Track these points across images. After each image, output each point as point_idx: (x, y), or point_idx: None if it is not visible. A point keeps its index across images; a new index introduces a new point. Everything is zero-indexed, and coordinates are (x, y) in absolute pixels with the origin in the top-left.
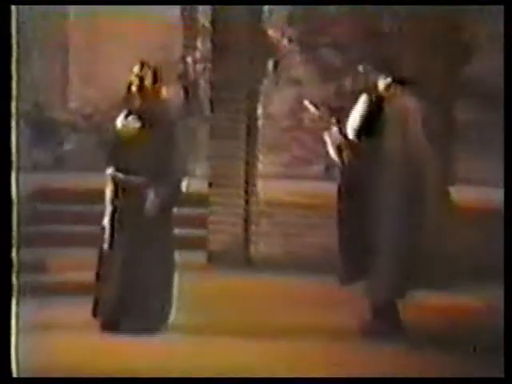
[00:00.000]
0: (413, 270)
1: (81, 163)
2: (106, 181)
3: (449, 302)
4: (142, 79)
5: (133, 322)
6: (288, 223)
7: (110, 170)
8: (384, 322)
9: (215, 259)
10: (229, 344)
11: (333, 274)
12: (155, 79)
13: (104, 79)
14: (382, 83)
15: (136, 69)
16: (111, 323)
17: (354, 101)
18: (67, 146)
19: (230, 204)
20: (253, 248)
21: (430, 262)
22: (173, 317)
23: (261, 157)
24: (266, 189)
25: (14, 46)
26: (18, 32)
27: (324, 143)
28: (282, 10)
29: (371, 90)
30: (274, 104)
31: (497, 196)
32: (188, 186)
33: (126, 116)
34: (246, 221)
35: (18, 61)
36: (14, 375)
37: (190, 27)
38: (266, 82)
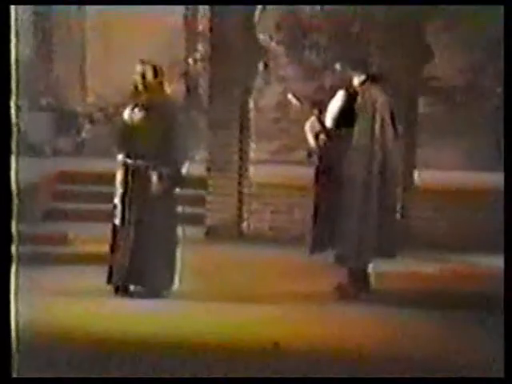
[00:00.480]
0: (377, 241)
1: (96, 150)
2: (117, 165)
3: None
4: (143, 75)
5: (141, 288)
6: (275, 203)
7: (120, 156)
8: (356, 286)
9: (212, 234)
10: (224, 308)
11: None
12: (155, 74)
13: (116, 77)
14: (356, 79)
15: (138, 67)
16: (123, 289)
17: (333, 95)
18: (84, 135)
19: (226, 186)
20: (245, 224)
21: (391, 234)
22: (176, 284)
23: (252, 145)
24: (257, 173)
25: (14, 46)
26: (17, 32)
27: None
28: (270, 18)
29: (347, 85)
30: (264, 98)
31: (452, 178)
32: (188, 170)
33: (133, 108)
34: (240, 200)
35: (17, 60)
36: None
37: (191, 32)
38: (257, 79)
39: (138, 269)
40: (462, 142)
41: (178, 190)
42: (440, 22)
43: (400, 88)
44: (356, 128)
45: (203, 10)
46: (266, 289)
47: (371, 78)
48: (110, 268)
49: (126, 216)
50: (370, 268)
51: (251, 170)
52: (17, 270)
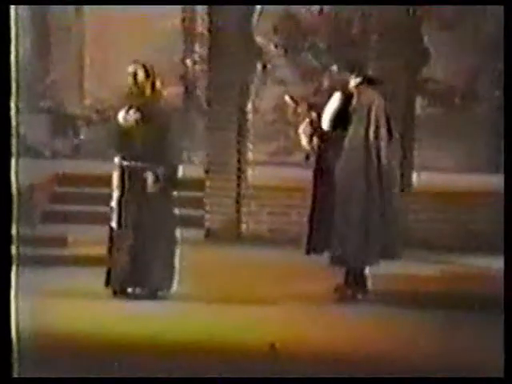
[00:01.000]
0: (374, 243)
1: (94, 152)
2: (114, 168)
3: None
4: (135, 75)
5: (140, 290)
6: (273, 204)
7: (117, 159)
8: (353, 287)
9: (211, 236)
10: (222, 309)
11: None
12: (147, 74)
13: (114, 80)
14: (352, 82)
15: (129, 68)
16: (121, 291)
17: (330, 97)
18: (82, 138)
19: (224, 188)
20: (243, 226)
21: (388, 235)
22: (174, 286)
23: (250, 146)
24: (255, 175)
25: (13, 46)
26: (17, 32)
27: None
28: (268, 20)
29: (343, 87)
30: (262, 100)
31: (450, 180)
32: (186, 172)
33: (127, 110)
34: (238, 202)
35: (17, 60)
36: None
37: (189, 34)
38: (255, 81)
39: (137, 271)
40: (459, 144)
41: (175, 192)
42: (437, 23)
43: (398, 90)
44: (350, 130)
45: (201, 11)
46: (265, 290)
47: (367, 81)
48: (108, 270)
49: (124, 218)
50: (368, 270)
51: (249, 171)
52: (17, 272)
